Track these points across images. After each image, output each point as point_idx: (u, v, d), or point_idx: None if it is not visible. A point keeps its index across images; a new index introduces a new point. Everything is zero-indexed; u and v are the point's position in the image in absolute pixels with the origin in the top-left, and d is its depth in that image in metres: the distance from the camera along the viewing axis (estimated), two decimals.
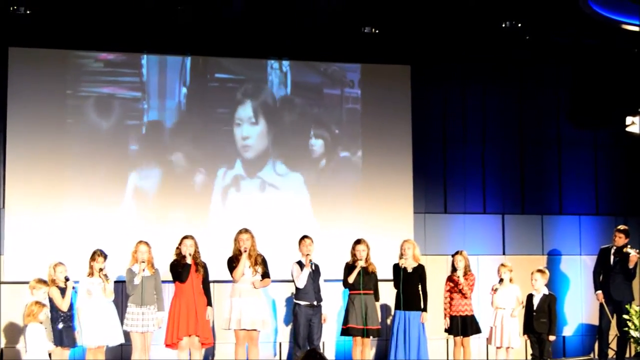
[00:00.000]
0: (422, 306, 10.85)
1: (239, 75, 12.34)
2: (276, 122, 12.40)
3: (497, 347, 11.03)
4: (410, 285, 10.84)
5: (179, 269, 10.43)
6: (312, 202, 12.38)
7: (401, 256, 10.93)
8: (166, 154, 12.05)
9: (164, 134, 12.09)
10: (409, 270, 10.87)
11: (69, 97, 11.76)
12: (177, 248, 10.56)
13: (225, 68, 12.33)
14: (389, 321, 12.01)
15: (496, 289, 11.07)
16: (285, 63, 12.45)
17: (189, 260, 10.43)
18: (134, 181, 11.91)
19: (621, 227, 11.90)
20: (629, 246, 11.67)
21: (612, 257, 11.80)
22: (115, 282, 10.68)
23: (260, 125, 12.37)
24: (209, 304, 10.59)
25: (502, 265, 11.18)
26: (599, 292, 11.80)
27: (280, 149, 12.37)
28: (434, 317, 11.37)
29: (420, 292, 10.87)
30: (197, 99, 12.20)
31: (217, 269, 10.88)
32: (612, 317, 11.69)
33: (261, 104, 12.37)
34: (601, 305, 11.78)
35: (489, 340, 11.17)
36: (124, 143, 11.92)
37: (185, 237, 10.59)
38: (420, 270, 10.93)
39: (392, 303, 11.46)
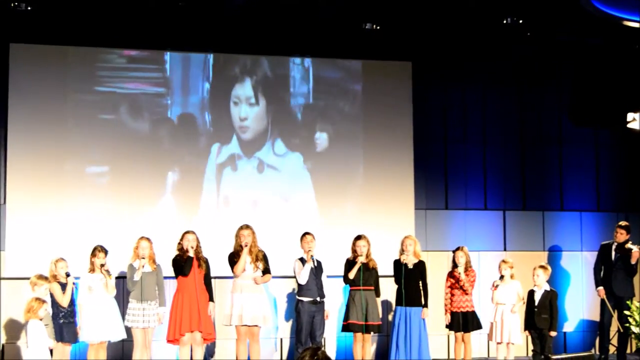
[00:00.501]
0: (423, 302, 10.86)
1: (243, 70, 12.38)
2: (281, 116, 12.40)
3: (498, 343, 11.03)
4: (412, 281, 10.85)
5: (182, 263, 10.44)
6: (313, 199, 12.37)
7: (402, 252, 10.94)
8: (169, 151, 12.06)
9: (171, 130, 12.10)
10: (410, 266, 10.88)
11: (69, 93, 11.75)
12: (179, 243, 10.58)
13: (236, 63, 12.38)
14: (389, 317, 12.02)
15: (497, 285, 11.07)
16: (287, 59, 12.48)
17: (191, 254, 10.43)
18: (133, 176, 11.88)
19: (622, 223, 11.91)
20: (630, 242, 11.68)
21: (613, 253, 11.82)
22: (117, 277, 10.68)
23: (262, 115, 12.37)
24: (211, 299, 10.60)
25: (503, 261, 11.19)
26: (600, 288, 11.81)
27: (285, 147, 12.39)
28: (434, 313, 11.38)
29: (421, 288, 10.89)
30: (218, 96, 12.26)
31: (218, 265, 10.87)
32: (614, 312, 11.69)
33: (269, 97, 12.40)
34: (602, 301, 11.79)
35: (489, 336, 11.18)
36: (125, 139, 11.90)
37: (187, 232, 10.61)
38: (421, 266, 10.95)
39: (392, 299, 11.46)
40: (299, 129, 12.43)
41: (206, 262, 10.62)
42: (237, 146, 12.23)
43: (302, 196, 12.35)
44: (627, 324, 11.25)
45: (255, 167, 12.27)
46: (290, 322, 12.00)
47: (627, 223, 11.91)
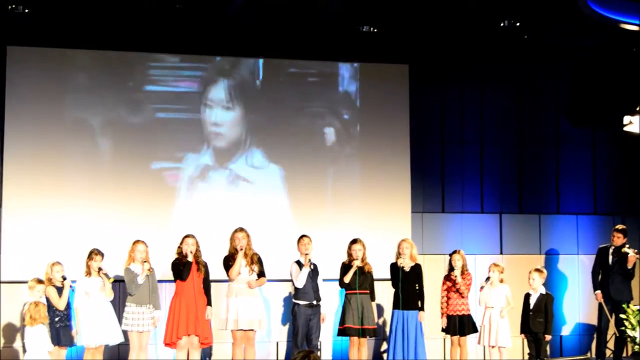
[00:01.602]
0: (420, 305, 10.87)
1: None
2: (275, 119, 12.41)
3: (490, 346, 11.03)
4: (409, 284, 10.86)
5: (180, 267, 10.43)
6: (310, 201, 12.37)
7: (399, 255, 10.93)
8: (153, 152, 12.09)
9: (155, 133, 12.11)
10: (407, 269, 10.88)
11: (67, 96, 11.76)
12: (179, 247, 10.56)
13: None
14: (381, 321, 12.03)
15: (482, 287, 11.06)
16: (284, 61, 12.48)
17: (190, 259, 10.43)
18: (128, 180, 11.89)
19: (619, 226, 11.91)
20: (627, 246, 11.68)
21: (610, 257, 11.82)
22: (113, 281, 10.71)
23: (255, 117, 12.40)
24: (209, 303, 10.60)
25: (494, 264, 11.17)
26: (598, 291, 11.82)
27: (278, 149, 12.38)
28: (431, 317, 11.37)
29: (418, 292, 10.89)
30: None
31: (211, 268, 10.87)
32: (611, 316, 11.69)
33: (262, 101, 12.40)
34: (600, 305, 11.79)
35: (478, 340, 11.17)
36: (119, 142, 11.92)
37: (187, 236, 10.60)
38: (417, 270, 10.95)
39: (387, 303, 11.47)
40: (296, 131, 12.43)
41: (205, 266, 10.61)
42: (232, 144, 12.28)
43: (298, 198, 12.34)
44: (623, 328, 11.26)
45: (252, 166, 12.29)
46: (287, 326, 12.01)
47: (624, 226, 11.90)
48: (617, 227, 11.92)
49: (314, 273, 10.85)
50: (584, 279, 12.71)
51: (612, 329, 11.81)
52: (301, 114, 12.49)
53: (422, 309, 10.88)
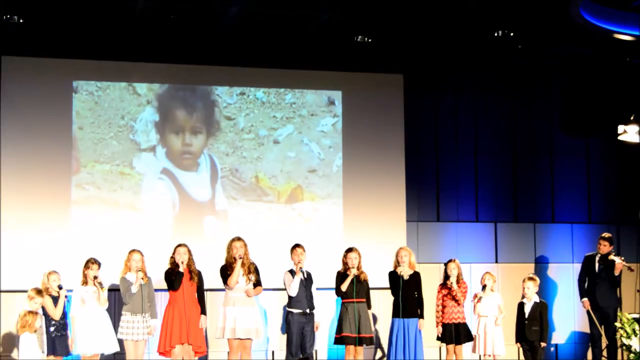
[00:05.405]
0: (420, 313, 10.88)
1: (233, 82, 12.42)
2: (270, 129, 12.42)
3: (483, 355, 11.03)
4: (408, 292, 10.85)
5: (172, 277, 10.44)
6: (305, 210, 12.38)
7: (398, 264, 10.93)
8: (159, 161, 12.12)
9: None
10: (406, 277, 10.88)
11: (62, 106, 11.76)
12: (171, 257, 10.57)
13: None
14: (378, 327, 12.03)
15: (480, 297, 11.07)
16: (280, 71, 12.50)
17: (182, 269, 10.44)
18: (126, 190, 11.92)
19: (605, 234, 11.94)
20: (613, 253, 11.73)
21: (597, 265, 11.86)
22: (109, 290, 10.69)
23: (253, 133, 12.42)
24: (203, 312, 10.59)
25: (488, 273, 11.19)
26: (585, 299, 11.86)
27: (273, 158, 12.39)
28: (427, 325, 11.36)
29: (417, 299, 10.90)
30: None
31: (208, 277, 10.87)
32: (601, 327, 11.71)
33: (254, 109, 12.40)
34: (588, 312, 11.81)
35: (472, 349, 11.18)
36: (119, 151, 11.94)
37: (179, 246, 10.61)
38: (417, 277, 10.94)
39: (383, 311, 11.45)
40: (290, 139, 12.45)
41: (199, 275, 10.62)
42: (230, 158, 12.28)
43: (293, 208, 12.36)
44: (617, 336, 11.26)
45: (248, 181, 12.29)
46: (283, 335, 11.98)
47: (609, 235, 11.94)
48: (603, 235, 11.95)
49: (307, 281, 10.86)
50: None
51: (603, 337, 11.83)
52: (297, 123, 12.50)
53: (421, 316, 10.88)
